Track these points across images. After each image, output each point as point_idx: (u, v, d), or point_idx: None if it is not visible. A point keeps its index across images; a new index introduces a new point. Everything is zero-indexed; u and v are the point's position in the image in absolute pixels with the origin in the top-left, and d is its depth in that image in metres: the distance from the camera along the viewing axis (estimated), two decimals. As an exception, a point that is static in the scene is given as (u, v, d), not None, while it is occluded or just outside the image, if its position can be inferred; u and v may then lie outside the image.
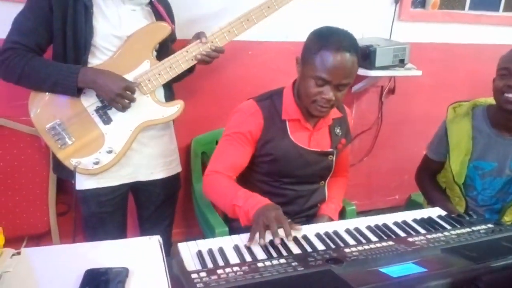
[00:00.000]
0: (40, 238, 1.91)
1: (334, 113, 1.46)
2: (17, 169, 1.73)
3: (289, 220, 1.15)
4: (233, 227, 1.53)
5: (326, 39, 1.26)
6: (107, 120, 1.40)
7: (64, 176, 1.50)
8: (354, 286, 0.85)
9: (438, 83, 2.50)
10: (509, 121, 1.51)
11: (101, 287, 0.86)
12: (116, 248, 1.01)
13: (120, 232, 1.57)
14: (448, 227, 1.23)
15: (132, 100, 1.37)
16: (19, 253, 0.95)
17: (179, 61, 1.45)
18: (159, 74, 1.42)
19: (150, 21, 1.46)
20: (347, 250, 1.03)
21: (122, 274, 0.90)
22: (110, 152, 1.40)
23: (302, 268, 0.93)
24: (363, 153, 2.57)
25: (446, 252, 1.03)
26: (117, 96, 1.32)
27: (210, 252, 1.06)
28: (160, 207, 1.67)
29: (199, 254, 1.04)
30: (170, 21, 1.51)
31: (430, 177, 1.76)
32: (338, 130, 1.48)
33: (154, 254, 0.99)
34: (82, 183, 1.44)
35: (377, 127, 2.52)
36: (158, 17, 1.49)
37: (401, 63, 2.03)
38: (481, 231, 1.17)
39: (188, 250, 1.06)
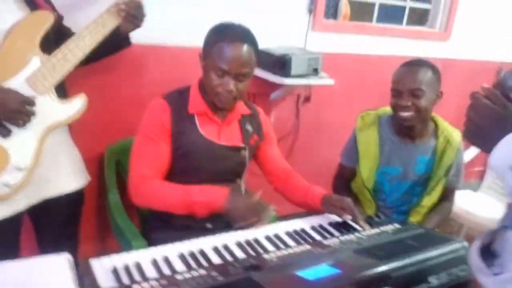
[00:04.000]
0: None
1: (243, 109, 1.51)
2: None
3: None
4: (152, 238, 1.47)
5: (222, 31, 1.35)
6: (6, 133, 1.22)
7: None
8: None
9: (350, 92, 2.64)
10: (409, 130, 1.65)
11: None
12: (23, 269, 0.92)
13: (13, 251, 1.41)
14: (360, 229, 1.30)
15: (32, 113, 1.22)
16: None
17: (74, 49, 1.30)
18: (54, 69, 1.27)
19: (26, 13, 1.29)
20: (266, 256, 1.05)
21: None
22: (19, 169, 1.23)
23: (222, 278, 0.92)
24: (281, 159, 2.62)
25: (358, 253, 1.09)
26: (15, 113, 1.18)
27: (126, 268, 1.00)
28: (64, 226, 1.53)
29: (114, 271, 0.98)
30: (51, 8, 1.37)
31: (344, 184, 1.84)
32: (249, 127, 1.51)
33: (63, 274, 0.92)
34: None
35: (294, 134, 2.60)
36: (34, 7, 1.32)
37: (315, 72, 2.12)
38: (389, 232, 1.25)
39: (101, 267, 1.00)
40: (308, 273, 0.95)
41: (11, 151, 1.22)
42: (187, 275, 0.93)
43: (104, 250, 2.06)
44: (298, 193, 1.52)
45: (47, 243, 1.53)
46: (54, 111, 1.29)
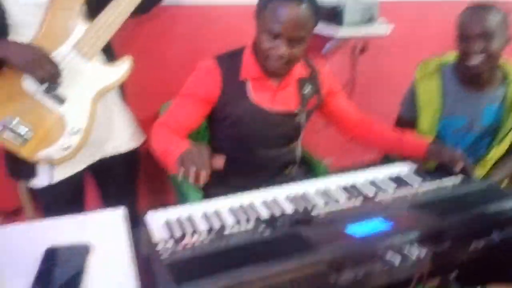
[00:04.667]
0: (17, 213, 1.86)
1: (301, 72, 1.40)
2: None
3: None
4: (209, 194, 1.51)
5: None
6: (60, 100, 1.27)
7: (22, 177, 1.38)
8: (318, 247, 0.85)
9: (410, 40, 2.46)
10: (476, 78, 1.51)
11: (62, 266, 0.84)
12: (78, 223, 0.99)
13: (79, 206, 1.52)
14: (417, 183, 1.24)
15: (55, 70, 1.22)
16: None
17: (114, 14, 1.30)
18: (98, 34, 1.29)
19: None
20: (315, 211, 1.03)
21: (83, 251, 0.88)
22: (75, 132, 1.29)
23: (269, 232, 0.93)
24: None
25: (413, 208, 1.04)
26: (35, 62, 1.17)
27: (179, 220, 1.04)
28: (124, 183, 1.61)
29: (167, 223, 1.03)
30: None
31: None
32: (307, 89, 1.41)
33: (117, 227, 0.97)
34: (45, 176, 1.32)
35: (351, 87, 2.50)
36: None
37: (370, 20, 1.99)
38: (449, 187, 1.18)
39: (156, 220, 1.04)
40: (358, 229, 0.93)
41: (67, 116, 1.29)
42: (235, 229, 0.95)
43: (163, 204, 2.16)
44: (387, 139, 1.46)
45: (110, 199, 1.63)
46: (102, 75, 1.33)
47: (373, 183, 1.25)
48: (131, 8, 1.33)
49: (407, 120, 1.71)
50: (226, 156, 1.41)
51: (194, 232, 0.95)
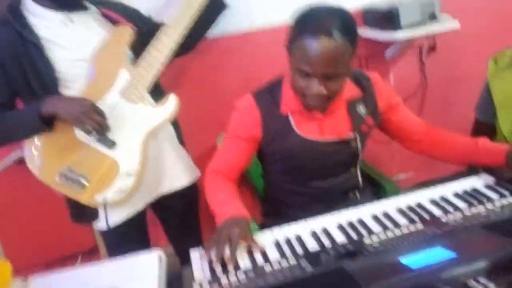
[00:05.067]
0: (92, 253, 1.98)
1: (350, 91, 1.25)
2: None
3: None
4: (266, 225, 1.45)
5: (304, 23, 1.08)
6: (111, 145, 1.32)
7: (85, 221, 1.43)
8: (364, 284, 0.75)
9: (481, 33, 2.21)
10: None
11: None
12: (117, 267, 1.00)
13: (143, 244, 1.55)
14: (495, 197, 1.06)
15: (102, 119, 1.26)
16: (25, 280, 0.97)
17: (154, 55, 1.33)
18: (141, 77, 1.33)
19: (108, 30, 1.36)
20: (367, 241, 0.93)
21: None
22: (129, 175, 1.33)
23: (312, 268, 0.85)
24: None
25: (484, 229, 0.89)
26: (82, 114, 1.22)
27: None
28: (184, 218, 1.62)
29: (210, 261, 0.99)
30: (130, 20, 1.42)
31: None
32: (360, 109, 1.27)
33: (150, 271, 0.96)
34: (106, 219, 1.36)
35: (422, 91, 2.30)
36: (114, 22, 1.40)
37: (433, 17, 1.81)
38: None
39: (199, 257, 1.01)
40: (414, 260, 0.81)
41: (119, 160, 1.32)
42: (276, 266, 0.88)
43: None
44: (459, 149, 1.29)
45: (173, 234, 1.66)
46: (149, 117, 1.35)
47: (443, 200, 1.10)
48: (172, 46, 1.35)
49: (485, 124, 1.51)
50: (281, 189, 1.37)
51: (234, 271, 0.90)
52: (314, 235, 1.03)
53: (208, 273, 0.93)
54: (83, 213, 1.39)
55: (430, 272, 0.77)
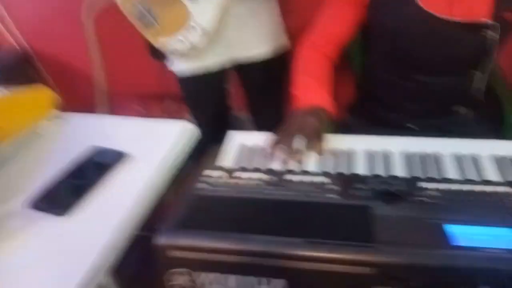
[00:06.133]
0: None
1: None
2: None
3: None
4: (346, 123, 1.28)
5: None
6: None
7: (161, 59, 1.44)
8: (377, 239, 0.58)
9: None
10: None
11: (94, 166, 0.88)
12: (137, 128, 0.99)
13: (218, 108, 1.52)
14: None
15: None
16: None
17: None
18: None
19: None
20: (423, 184, 0.71)
21: (113, 159, 0.89)
22: (196, 29, 1.25)
23: (337, 196, 0.69)
24: None
25: None
26: None
27: (251, 149, 0.90)
28: (265, 90, 1.50)
29: (241, 148, 0.91)
30: None
31: None
32: None
33: (168, 138, 0.92)
34: (175, 65, 1.39)
35: None
36: None
37: None
38: None
39: (235, 142, 0.93)
40: (464, 233, 0.60)
41: (193, 12, 1.24)
42: (297, 178, 0.74)
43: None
44: None
45: (252, 108, 1.61)
46: None
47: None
48: None
49: None
50: (380, 80, 1.15)
51: (255, 167, 0.79)
52: (371, 156, 0.85)
53: (231, 162, 0.85)
54: (155, 49, 1.38)
55: (474, 258, 0.56)
